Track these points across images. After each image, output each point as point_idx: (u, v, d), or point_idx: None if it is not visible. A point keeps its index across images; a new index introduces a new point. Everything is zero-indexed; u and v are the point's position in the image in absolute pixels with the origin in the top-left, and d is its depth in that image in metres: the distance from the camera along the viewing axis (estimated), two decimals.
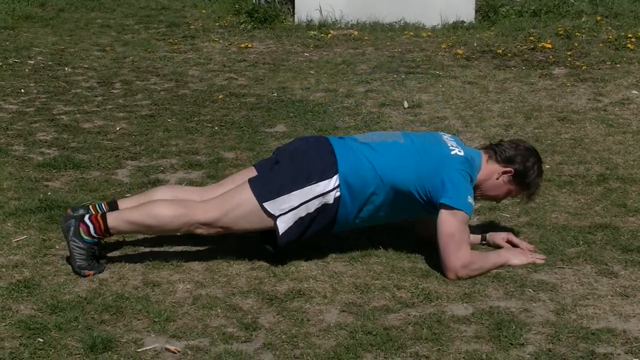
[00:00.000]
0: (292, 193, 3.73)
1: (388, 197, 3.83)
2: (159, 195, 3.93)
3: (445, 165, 3.77)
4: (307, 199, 3.74)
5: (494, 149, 3.96)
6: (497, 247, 4.05)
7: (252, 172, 3.96)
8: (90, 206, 3.97)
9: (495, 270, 3.80)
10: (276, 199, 3.73)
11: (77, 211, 3.91)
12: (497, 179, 3.93)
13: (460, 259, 3.70)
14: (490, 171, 3.92)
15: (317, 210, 3.77)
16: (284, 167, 3.81)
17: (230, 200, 3.76)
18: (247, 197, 3.75)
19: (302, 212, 3.74)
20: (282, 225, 3.73)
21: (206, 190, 4.02)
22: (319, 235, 3.92)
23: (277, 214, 3.73)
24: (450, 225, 3.70)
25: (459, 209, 3.71)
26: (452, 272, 3.72)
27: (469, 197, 3.76)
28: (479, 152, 3.98)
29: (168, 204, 3.76)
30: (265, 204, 3.72)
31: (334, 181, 3.76)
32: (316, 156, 3.82)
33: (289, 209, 3.73)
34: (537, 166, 3.95)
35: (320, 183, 3.75)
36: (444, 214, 3.72)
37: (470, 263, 3.72)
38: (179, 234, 4.01)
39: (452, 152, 3.82)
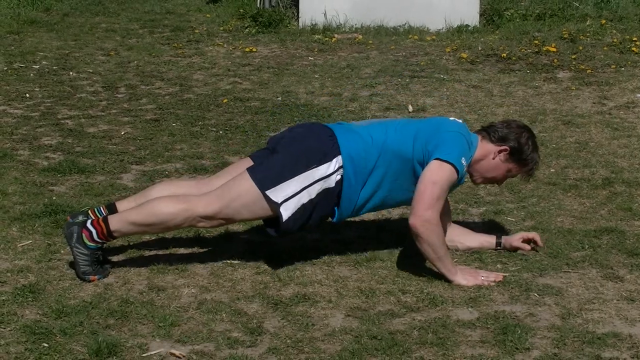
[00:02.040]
0: (293, 179, 3.71)
1: (389, 169, 3.79)
2: (156, 193, 3.91)
3: (445, 127, 3.79)
4: (308, 183, 3.72)
5: (486, 130, 3.94)
6: (514, 249, 4.03)
7: (248, 163, 3.92)
8: (90, 211, 3.96)
9: (502, 275, 3.78)
10: (277, 186, 3.70)
11: (77, 217, 3.89)
12: (494, 158, 3.90)
13: (429, 212, 3.64)
14: (486, 151, 3.89)
15: (319, 195, 3.75)
16: (284, 154, 3.79)
17: (230, 192, 3.74)
18: (248, 186, 3.73)
19: (304, 198, 3.73)
20: (286, 212, 3.71)
21: (203, 183, 3.99)
22: (323, 220, 3.89)
23: (280, 201, 3.70)
24: (436, 174, 3.66)
25: (450, 162, 3.66)
26: (416, 218, 3.65)
27: (463, 158, 3.72)
28: (475, 134, 3.96)
29: (168, 201, 3.74)
30: (268, 192, 3.70)
31: (334, 164, 3.75)
32: (315, 141, 3.81)
33: (291, 194, 3.71)
34: (531, 141, 3.91)
35: (320, 167, 3.73)
36: (432, 164, 3.68)
37: (434, 225, 3.65)
38: (182, 229, 4.02)
39: (452, 119, 3.91)
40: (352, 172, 3.77)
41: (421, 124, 3.86)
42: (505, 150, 3.89)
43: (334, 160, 3.76)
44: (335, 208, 3.85)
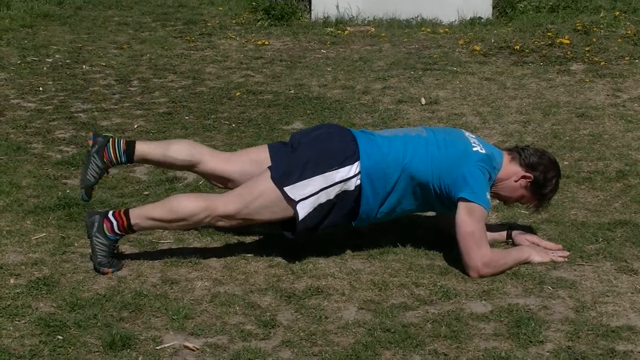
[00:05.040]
0: (313, 178, 3.73)
1: (407, 189, 3.83)
2: (176, 149, 3.97)
3: (466, 160, 3.77)
4: (328, 184, 3.74)
5: (519, 152, 3.95)
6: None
7: (265, 151, 3.96)
8: (110, 140, 3.95)
9: (514, 268, 3.79)
10: (297, 184, 3.72)
11: (97, 138, 3.92)
12: (516, 181, 3.91)
13: (482, 257, 3.69)
14: (511, 172, 3.91)
15: (338, 196, 3.77)
16: (306, 152, 3.81)
17: (250, 192, 3.76)
18: (268, 187, 3.74)
19: (322, 198, 3.74)
20: (302, 211, 3.73)
21: (222, 158, 4.02)
22: (338, 225, 3.92)
23: (297, 199, 3.72)
24: (470, 223, 3.69)
25: (479, 204, 3.70)
26: (475, 271, 3.70)
27: (487, 193, 3.76)
28: (501, 152, 3.97)
29: (189, 198, 3.79)
30: (286, 189, 3.72)
31: (355, 168, 3.76)
32: (338, 143, 3.82)
33: (309, 194, 3.72)
34: (555, 181, 3.95)
35: (341, 169, 3.75)
36: (462, 211, 3.71)
37: (492, 261, 3.71)
38: (198, 228, 4.04)
39: (474, 149, 3.82)
40: (369, 188, 3.79)
41: (442, 153, 3.81)
42: (529, 178, 3.90)
43: (356, 164, 3.77)
44: (352, 221, 3.89)
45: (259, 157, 3.96)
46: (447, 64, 7.49)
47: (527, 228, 4.21)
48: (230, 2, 10.35)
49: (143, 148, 3.98)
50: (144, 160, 4.05)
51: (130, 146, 3.95)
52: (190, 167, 4.03)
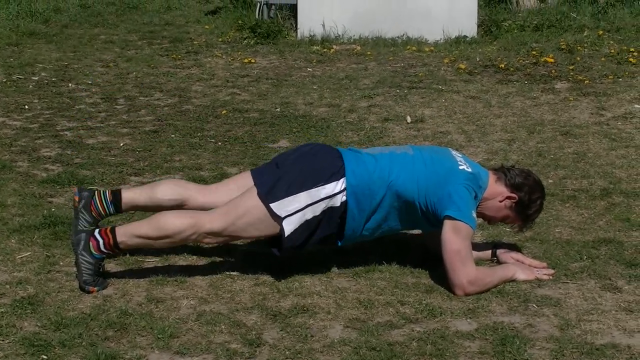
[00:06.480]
0: (299, 194, 3.74)
1: (393, 206, 3.84)
2: (162, 189, 4.00)
3: (452, 179, 3.79)
4: (314, 200, 3.75)
5: (504, 172, 3.97)
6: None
7: (249, 177, 3.97)
8: (96, 191, 4.00)
9: (499, 286, 3.80)
10: (283, 200, 3.73)
11: (82, 193, 3.97)
12: (500, 201, 3.93)
13: (468, 275, 3.70)
14: (496, 192, 3.93)
15: (324, 212, 3.78)
16: (292, 168, 3.82)
17: (236, 209, 3.77)
18: (254, 204, 3.75)
19: (308, 214, 3.75)
20: (289, 227, 3.74)
21: (208, 190, 4.05)
22: (325, 243, 3.92)
23: (283, 215, 3.73)
24: (455, 241, 3.70)
25: (465, 222, 3.72)
26: (460, 289, 3.71)
27: (473, 211, 3.77)
28: (487, 172, 3.99)
29: (175, 216, 3.79)
30: (272, 205, 3.72)
31: (341, 184, 3.77)
32: (324, 160, 3.84)
33: (295, 210, 3.73)
34: (539, 202, 3.96)
35: (327, 185, 3.76)
36: (448, 229, 3.72)
37: (477, 279, 3.72)
38: (186, 244, 4.03)
39: (461, 167, 3.84)
40: (355, 205, 3.80)
41: (428, 171, 3.83)
42: (513, 198, 3.92)
43: (341, 180, 3.78)
44: (339, 241, 3.91)
45: (244, 183, 3.96)
46: (432, 82, 7.52)
47: (511, 246, 4.23)
48: (216, 20, 10.39)
49: (129, 195, 4.03)
50: (133, 207, 4.09)
51: (117, 196, 4.00)
52: (179, 206, 4.02)
